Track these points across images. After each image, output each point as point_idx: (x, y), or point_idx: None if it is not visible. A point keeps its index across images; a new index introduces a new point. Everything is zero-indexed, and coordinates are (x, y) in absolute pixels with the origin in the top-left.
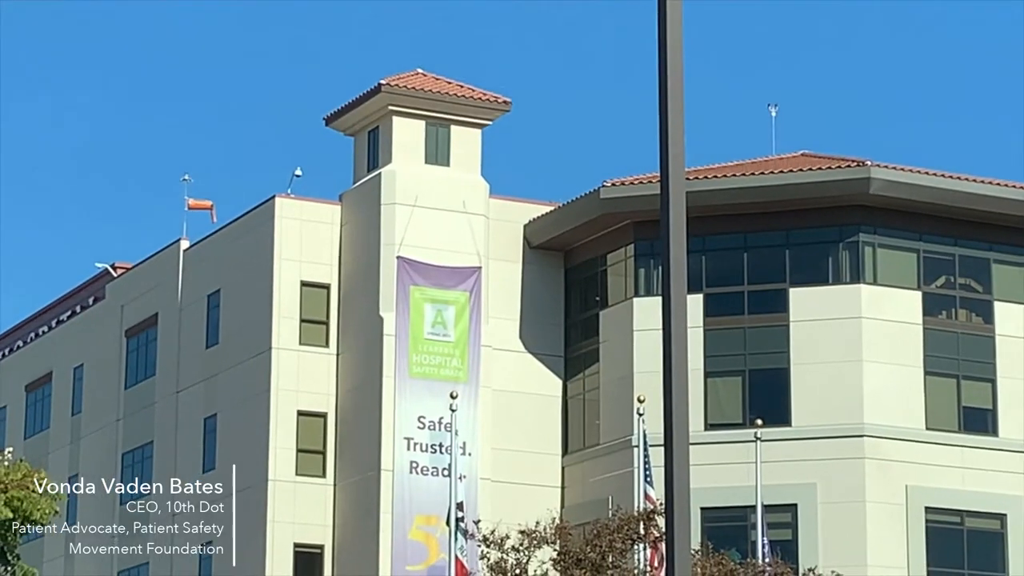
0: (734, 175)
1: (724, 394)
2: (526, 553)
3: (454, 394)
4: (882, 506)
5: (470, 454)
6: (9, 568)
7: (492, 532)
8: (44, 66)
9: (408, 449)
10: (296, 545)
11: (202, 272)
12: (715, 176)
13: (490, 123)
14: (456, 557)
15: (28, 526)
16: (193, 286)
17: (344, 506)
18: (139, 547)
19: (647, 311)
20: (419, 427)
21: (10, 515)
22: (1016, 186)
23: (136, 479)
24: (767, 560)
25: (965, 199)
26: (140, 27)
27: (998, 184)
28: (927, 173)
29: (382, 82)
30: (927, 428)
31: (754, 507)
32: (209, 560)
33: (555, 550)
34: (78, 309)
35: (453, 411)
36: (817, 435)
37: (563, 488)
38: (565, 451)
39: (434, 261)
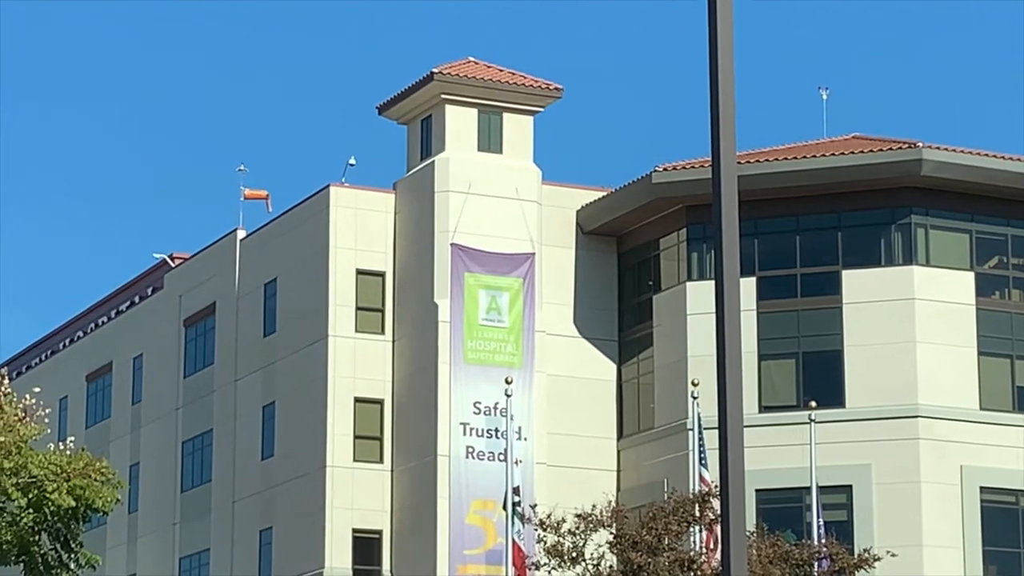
0: (786, 158)
1: (778, 376)
2: (582, 536)
3: (509, 379)
4: (937, 486)
5: (526, 439)
6: (72, 555)
7: (548, 516)
8: (102, 59)
9: (464, 434)
10: (355, 531)
11: (259, 261)
12: (767, 159)
13: (542, 110)
14: (513, 541)
15: (91, 514)
16: (250, 275)
17: (402, 491)
18: (199, 532)
19: (700, 295)
20: (475, 412)
21: (73, 503)
22: None
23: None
24: (822, 541)
25: (1017, 179)
26: (197, 20)
27: None
28: (978, 154)
29: (434, 70)
30: (981, 408)
31: (809, 488)
32: (269, 547)
33: (611, 533)
34: (137, 299)
35: (508, 396)
36: (871, 416)
37: (618, 472)
38: (620, 435)
39: (488, 248)
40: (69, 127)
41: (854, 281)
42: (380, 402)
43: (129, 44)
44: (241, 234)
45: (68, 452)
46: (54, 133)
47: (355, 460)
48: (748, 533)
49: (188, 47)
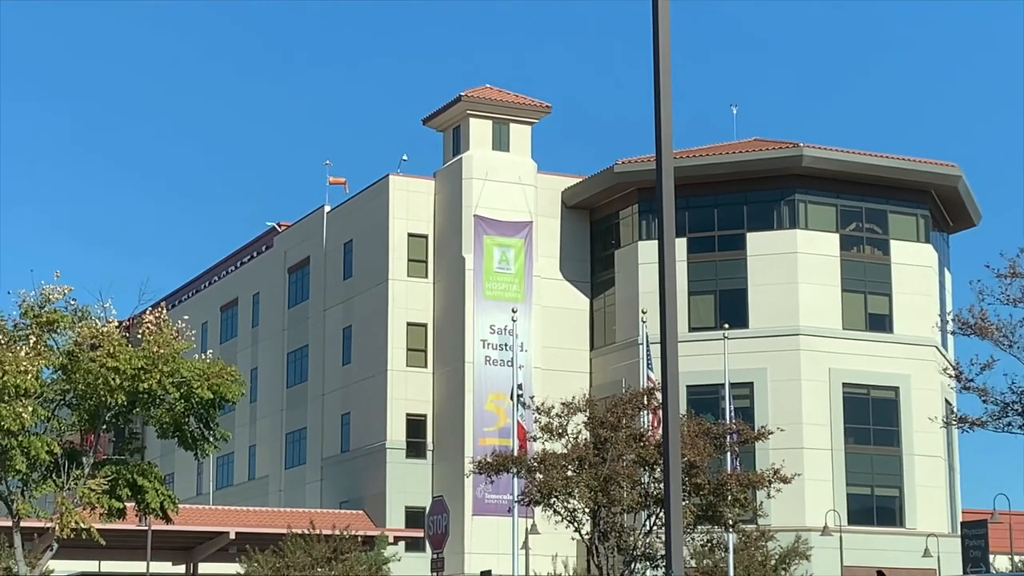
0: (707, 154)
1: (701, 307)
2: (565, 418)
3: (514, 310)
4: (813, 383)
5: (526, 350)
6: (211, 432)
7: (542, 404)
8: (230, 68)
9: (483, 348)
10: (407, 414)
11: (340, 227)
12: (695, 155)
13: (537, 121)
14: (518, 422)
15: (224, 403)
16: (334, 237)
17: (440, 387)
18: (300, 416)
19: (648, 250)
20: (491, 332)
21: (211, 396)
22: (904, 158)
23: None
24: (733, 421)
25: (869, 168)
26: (299, 61)
27: (892, 157)
28: (843, 151)
29: (462, 94)
30: (843, 328)
31: (723, 385)
32: (348, 426)
33: (586, 416)
34: (255, 254)
35: (514, 321)
36: (767, 335)
37: (591, 373)
38: (592, 347)
39: (499, 218)
40: (217, 126)
41: (755, 240)
42: (424, 325)
43: (248, 59)
44: (327, 208)
45: (208, 360)
46: (206, 130)
47: (407, 366)
48: (680, 416)
49: (295, 85)
